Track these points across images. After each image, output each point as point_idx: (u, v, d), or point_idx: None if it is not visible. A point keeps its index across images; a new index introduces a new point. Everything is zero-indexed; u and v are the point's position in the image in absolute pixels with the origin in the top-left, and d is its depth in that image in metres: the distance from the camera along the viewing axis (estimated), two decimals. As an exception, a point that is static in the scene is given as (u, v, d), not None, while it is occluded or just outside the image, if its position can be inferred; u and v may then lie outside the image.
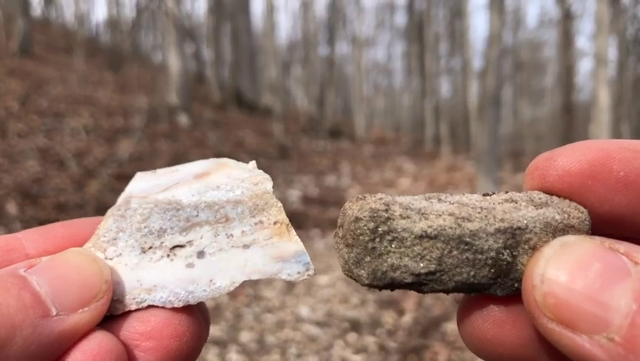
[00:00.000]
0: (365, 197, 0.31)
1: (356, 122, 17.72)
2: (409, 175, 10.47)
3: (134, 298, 0.32)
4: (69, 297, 0.29)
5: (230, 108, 13.24)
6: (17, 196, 4.48)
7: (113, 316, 0.32)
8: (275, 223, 0.35)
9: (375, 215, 0.29)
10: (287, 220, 0.35)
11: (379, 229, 0.29)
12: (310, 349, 3.04)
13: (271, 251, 0.34)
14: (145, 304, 0.32)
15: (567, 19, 14.27)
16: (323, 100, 17.63)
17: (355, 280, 0.31)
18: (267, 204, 0.35)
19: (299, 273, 0.34)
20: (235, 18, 15.10)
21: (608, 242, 0.26)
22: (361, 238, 0.30)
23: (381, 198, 0.30)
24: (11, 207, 4.25)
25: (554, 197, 0.31)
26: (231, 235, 0.34)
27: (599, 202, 0.30)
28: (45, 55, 11.27)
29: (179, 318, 0.33)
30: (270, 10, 14.19)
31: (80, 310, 0.29)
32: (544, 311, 0.26)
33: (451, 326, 3.25)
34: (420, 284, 0.30)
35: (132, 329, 0.32)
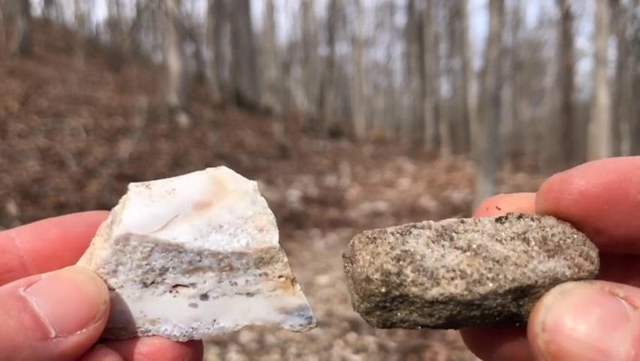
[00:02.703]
0: (375, 240, 0.31)
1: (356, 122, 17.71)
2: (409, 175, 10.47)
3: (138, 328, 0.33)
4: (68, 318, 0.29)
5: (230, 108, 13.25)
6: (17, 196, 4.48)
7: (117, 340, 0.33)
8: (280, 277, 0.34)
9: (387, 279, 0.29)
10: (292, 275, 0.35)
11: (391, 293, 0.29)
12: (310, 349, 3.04)
13: (275, 303, 0.34)
14: (150, 334, 0.33)
15: (567, 19, 14.28)
16: (323, 100, 17.62)
17: (365, 320, 0.32)
18: (272, 258, 0.34)
19: (301, 325, 0.35)
20: (235, 18, 15.10)
21: (608, 287, 0.26)
22: (372, 298, 0.30)
23: (392, 248, 0.30)
24: (11, 207, 4.25)
25: (567, 230, 0.30)
26: (235, 283, 0.34)
27: (615, 226, 0.29)
28: (45, 55, 11.28)
29: (181, 343, 0.34)
30: (270, 10, 14.19)
31: (79, 332, 0.30)
32: (547, 358, 0.26)
33: (451, 326, 3.25)
34: (427, 329, 0.31)
35: (136, 349, 0.32)
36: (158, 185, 0.35)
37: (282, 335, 3.19)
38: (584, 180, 0.29)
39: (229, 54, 15.74)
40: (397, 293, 0.29)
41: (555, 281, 0.29)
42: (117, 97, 9.67)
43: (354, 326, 3.33)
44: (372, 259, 0.30)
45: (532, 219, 0.31)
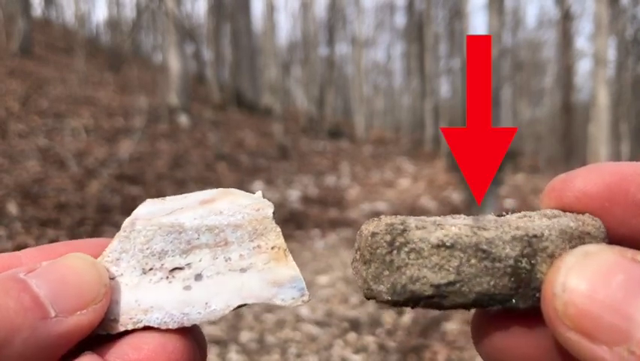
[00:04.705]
0: (380, 218, 0.32)
1: (356, 122, 17.71)
2: (409, 175, 10.48)
3: (130, 318, 0.33)
4: (68, 299, 0.30)
5: (230, 108, 13.25)
6: (18, 196, 4.49)
7: (108, 336, 0.33)
8: (272, 248, 0.35)
9: (391, 228, 0.30)
10: (284, 245, 0.35)
11: (396, 241, 0.30)
12: (310, 349, 3.05)
13: (267, 276, 0.35)
14: (141, 325, 0.33)
15: (566, 19, 14.28)
16: (323, 100, 17.63)
17: (375, 298, 0.31)
18: (265, 228, 0.35)
19: (293, 298, 0.35)
20: (235, 18, 15.10)
21: (630, 253, 0.26)
22: (378, 251, 0.30)
23: (396, 217, 0.31)
24: (12, 207, 4.26)
25: (568, 213, 0.31)
26: (229, 259, 0.34)
27: (616, 225, 0.30)
28: (45, 55, 11.28)
29: (173, 345, 0.32)
30: (270, 10, 14.20)
31: (79, 313, 0.30)
32: (563, 320, 0.26)
33: (451, 326, 3.26)
34: (440, 297, 0.30)
35: (125, 355, 0.31)
36: (172, 197, 0.37)
37: (283, 334, 3.20)
38: (585, 179, 0.31)
39: (229, 54, 15.74)
40: (402, 240, 0.30)
41: (561, 233, 0.29)
42: (117, 97, 9.67)
43: (354, 326, 3.34)
44: (377, 225, 0.31)
45: (533, 211, 0.33)
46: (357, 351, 3.03)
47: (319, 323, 3.38)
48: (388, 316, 3.47)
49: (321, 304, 3.71)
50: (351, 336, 3.21)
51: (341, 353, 3.00)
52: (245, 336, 3.14)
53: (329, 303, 3.74)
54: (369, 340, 3.15)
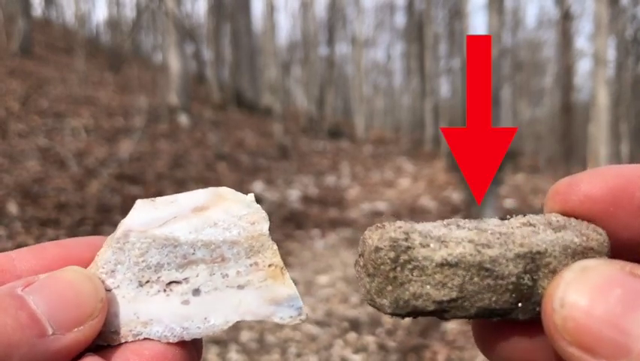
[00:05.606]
0: (384, 225, 0.31)
1: (356, 122, 17.71)
2: (409, 175, 10.48)
3: (130, 331, 0.33)
4: (65, 316, 0.30)
5: (230, 108, 13.25)
6: (18, 196, 4.49)
7: (108, 346, 0.33)
8: (270, 266, 0.35)
9: (395, 244, 0.30)
10: (282, 263, 0.35)
11: (400, 258, 0.29)
12: (310, 348, 3.05)
13: (265, 294, 0.35)
14: (141, 337, 0.33)
15: (566, 19, 14.28)
16: (323, 100, 17.63)
17: (378, 309, 0.31)
18: (262, 246, 0.35)
19: (291, 317, 0.35)
20: (235, 18, 15.10)
21: (628, 267, 0.26)
22: (382, 267, 0.30)
23: (400, 227, 0.31)
24: (12, 207, 4.26)
25: (572, 219, 0.31)
26: (227, 275, 0.34)
27: (621, 228, 0.30)
28: (45, 55, 11.28)
29: (173, 352, 0.33)
30: (270, 10, 14.19)
31: (76, 329, 0.30)
32: (563, 335, 0.26)
33: (450, 326, 3.26)
34: (442, 311, 0.30)
35: (126, 360, 0.32)
36: (162, 198, 0.37)
37: (283, 334, 3.20)
38: (590, 183, 0.31)
39: (229, 54, 15.74)
40: (406, 257, 0.29)
41: (565, 249, 0.29)
42: (117, 97, 9.67)
43: (354, 326, 3.34)
44: (380, 236, 0.30)
45: (537, 215, 0.32)
46: (357, 351, 3.03)
47: (319, 323, 3.38)
48: (388, 316, 3.47)
49: (321, 304, 3.71)
50: (351, 336, 3.21)
51: (341, 353, 3.00)
52: (245, 336, 3.14)
53: (329, 303, 3.74)
54: (369, 340, 3.16)
